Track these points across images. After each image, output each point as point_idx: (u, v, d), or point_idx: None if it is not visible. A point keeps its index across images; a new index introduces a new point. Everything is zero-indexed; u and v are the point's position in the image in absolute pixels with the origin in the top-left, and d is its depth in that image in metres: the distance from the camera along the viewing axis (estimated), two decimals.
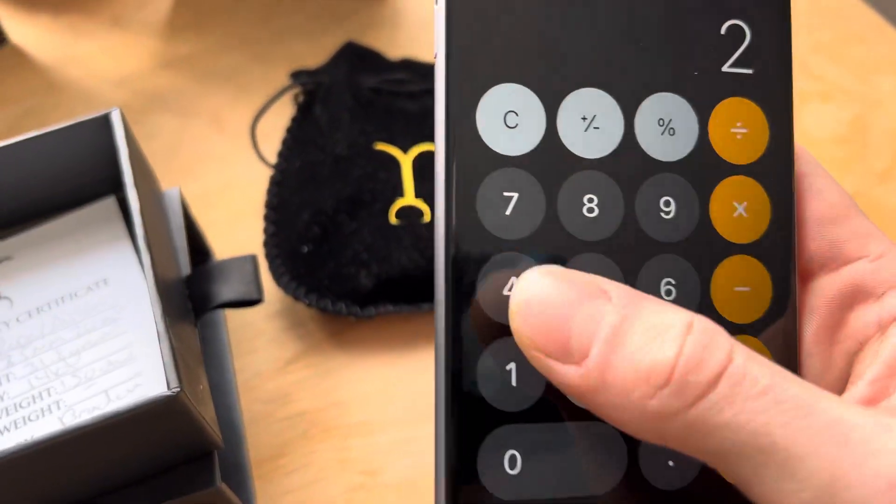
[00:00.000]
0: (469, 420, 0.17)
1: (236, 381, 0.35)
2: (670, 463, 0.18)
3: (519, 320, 0.16)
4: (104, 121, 0.31)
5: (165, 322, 0.25)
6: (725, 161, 0.19)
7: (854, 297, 0.18)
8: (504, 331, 0.17)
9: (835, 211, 0.19)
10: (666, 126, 0.18)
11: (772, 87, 0.19)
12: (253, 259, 0.32)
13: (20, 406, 0.28)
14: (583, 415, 0.17)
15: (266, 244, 0.37)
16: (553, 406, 0.17)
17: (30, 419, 0.28)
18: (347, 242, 0.36)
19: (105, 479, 0.27)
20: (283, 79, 0.46)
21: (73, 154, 0.32)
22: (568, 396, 0.17)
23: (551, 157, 0.18)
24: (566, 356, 0.15)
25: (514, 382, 0.17)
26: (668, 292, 0.18)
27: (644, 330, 0.15)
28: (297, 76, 0.43)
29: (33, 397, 0.29)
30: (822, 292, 0.19)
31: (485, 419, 0.17)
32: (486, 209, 0.17)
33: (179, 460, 0.27)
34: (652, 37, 0.18)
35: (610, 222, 0.18)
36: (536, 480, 0.17)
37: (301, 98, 0.43)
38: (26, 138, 0.30)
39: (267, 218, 0.38)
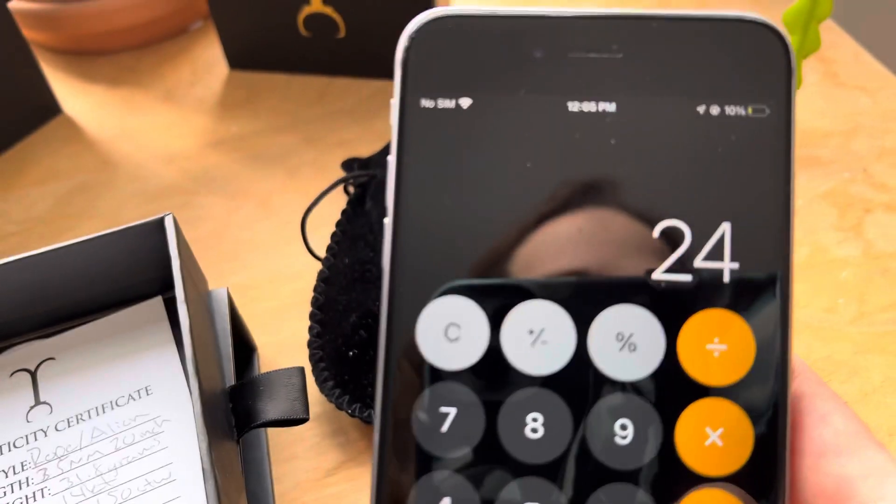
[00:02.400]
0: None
1: (274, 494, 0.34)
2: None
3: None
4: (158, 225, 0.30)
5: (212, 459, 0.24)
6: (697, 382, 0.17)
7: None
8: None
9: (841, 440, 0.16)
10: (625, 341, 0.17)
11: (760, 296, 0.17)
12: (300, 372, 0.31)
13: None
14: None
15: (310, 345, 0.36)
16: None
17: None
18: None
19: None
20: (334, 163, 0.46)
21: (124, 256, 0.31)
22: None
23: (493, 373, 0.17)
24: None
25: None
26: None
27: None
28: (348, 166, 0.43)
29: None
30: None
31: None
32: (421, 424, 0.17)
33: None
34: (610, 242, 0.17)
35: (556, 445, 0.17)
36: None
37: (353, 190, 0.42)
38: (81, 241, 0.30)
39: (312, 317, 0.37)
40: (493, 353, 0.17)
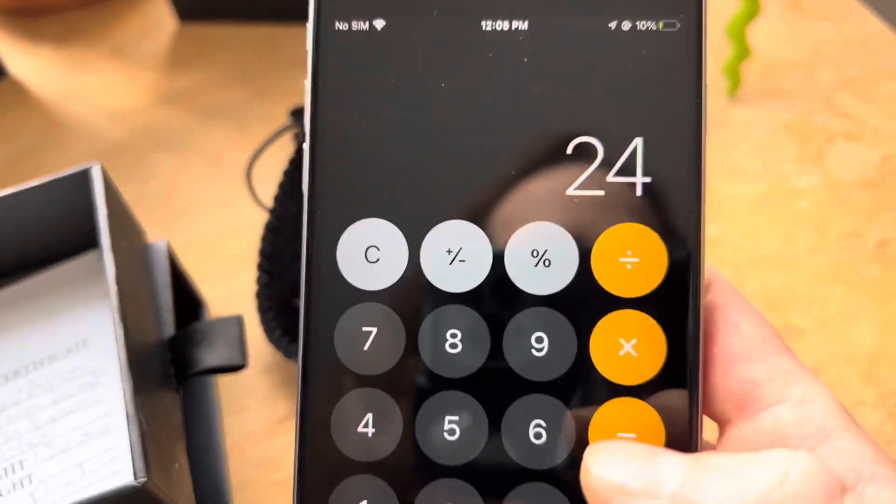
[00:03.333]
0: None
1: (224, 444, 0.33)
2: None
3: (601, 464, 0.15)
4: (84, 176, 0.29)
5: (135, 403, 0.24)
6: (611, 294, 0.17)
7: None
8: (353, 470, 0.17)
9: (751, 346, 0.17)
10: (540, 257, 0.17)
11: (672, 209, 0.17)
12: (238, 321, 0.30)
13: None
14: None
15: (258, 295, 0.36)
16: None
17: (0, 494, 0.27)
18: None
19: None
20: (284, 114, 0.45)
21: (54, 210, 0.31)
22: None
23: (413, 292, 0.18)
24: (654, 491, 0.14)
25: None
26: (538, 435, 0.17)
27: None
28: (298, 114, 0.42)
29: (5, 470, 0.27)
30: (740, 443, 0.16)
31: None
32: (343, 344, 0.17)
33: None
34: (525, 160, 0.17)
35: (474, 359, 0.17)
36: None
37: (302, 138, 0.41)
38: (3, 195, 0.29)
39: (260, 267, 0.36)
40: (413, 272, 0.18)
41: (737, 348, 0.17)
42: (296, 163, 0.40)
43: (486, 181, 0.17)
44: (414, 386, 0.17)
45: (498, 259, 0.17)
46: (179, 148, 0.45)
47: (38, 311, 0.31)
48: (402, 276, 0.18)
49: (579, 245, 0.17)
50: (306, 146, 0.18)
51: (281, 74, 0.48)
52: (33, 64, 0.50)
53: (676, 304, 0.17)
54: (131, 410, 0.24)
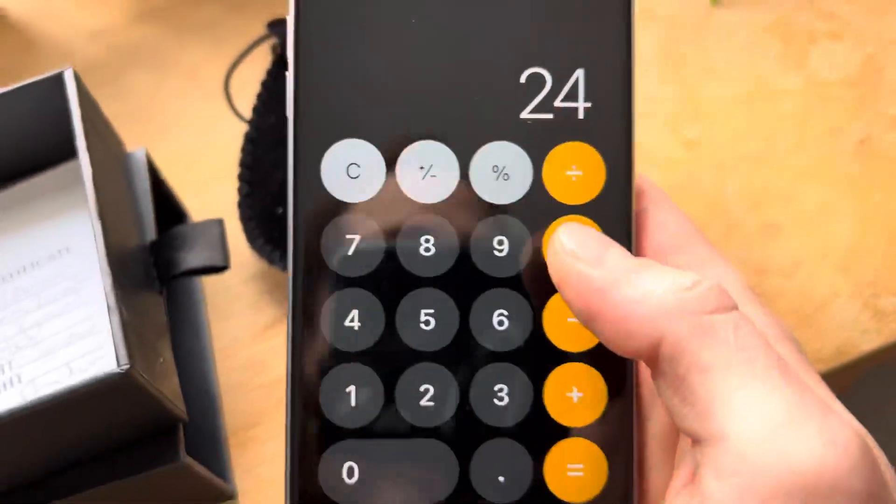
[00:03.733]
0: (312, 434, 0.19)
1: (213, 348, 0.34)
2: (500, 479, 0.19)
3: (566, 234, 0.18)
4: (57, 80, 0.29)
5: (116, 296, 0.24)
6: (559, 202, 0.20)
7: None
8: (342, 359, 0.20)
9: (675, 240, 0.20)
10: (500, 172, 0.20)
11: (608, 129, 0.20)
12: (219, 223, 0.30)
13: None
14: (417, 432, 0.19)
15: (240, 205, 0.36)
16: (389, 425, 0.20)
17: None
18: None
19: (65, 456, 0.26)
20: (261, 29, 0.44)
21: (29, 116, 0.31)
22: (574, 305, 0.18)
23: (390, 203, 0.20)
24: (596, 264, 0.17)
25: (353, 403, 0.20)
26: (500, 323, 0.20)
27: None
28: (274, 26, 0.41)
29: None
30: None
31: (326, 434, 0.19)
32: (329, 250, 0.20)
33: (143, 435, 0.27)
34: (486, 87, 0.20)
35: (445, 260, 0.20)
36: (372, 490, 0.19)
37: (279, 49, 0.41)
38: None
39: (241, 177, 0.36)
40: (390, 186, 0.20)
41: (664, 242, 0.20)
42: (273, 74, 0.40)
43: (452, 106, 0.20)
44: (393, 285, 0.20)
45: (464, 174, 0.20)
46: (156, 65, 0.44)
47: (18, 221, 0.31)
48: (380, 189, 0.20)
49: (532, 161, 0.20)
50: (290, 73, 0.20)
51: None
52: None
53: (614, 209, 0.20)
54: (112, 302, 0.24)
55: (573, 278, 0.18)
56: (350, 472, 0.19)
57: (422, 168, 0.20)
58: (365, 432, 0.19)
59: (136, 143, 0.39)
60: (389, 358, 0.20)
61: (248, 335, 0.35)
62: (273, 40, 0.41)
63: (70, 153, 0.32)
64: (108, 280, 0.24)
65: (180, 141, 0.41)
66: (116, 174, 0.30)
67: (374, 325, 0.20)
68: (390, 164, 0.20)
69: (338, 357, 0.20)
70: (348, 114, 0.20)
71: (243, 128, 0.39)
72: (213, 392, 0.33)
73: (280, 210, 0.35)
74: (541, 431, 0.19)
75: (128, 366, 0.23)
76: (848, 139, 0.39)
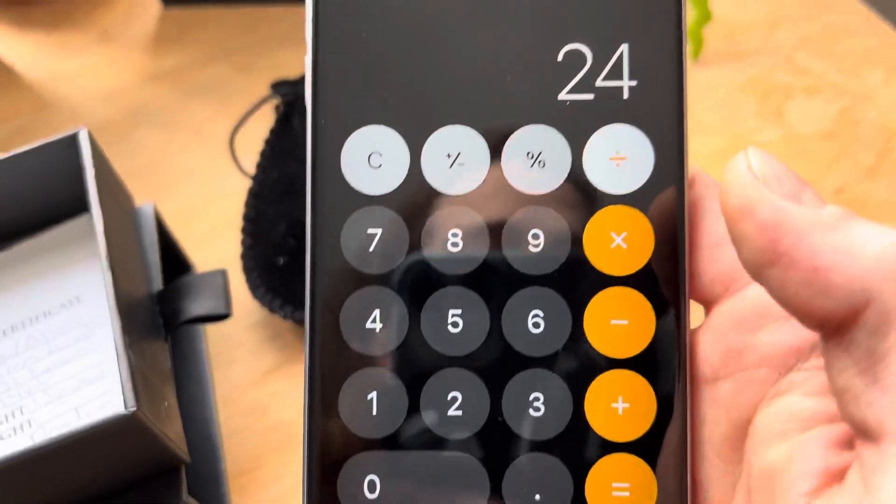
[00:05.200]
0: (330, 444, 0.18)
1: (215, 394, 0.35)
2: (537, 497, 0.17)
3: (756, 157, 0.15)
4: (72, 140, 0.31)
5: (125, 342, 0.25)
6: (601, 191, 0.18)
7: (763, 318, 0.17)
8: (365, 363, 0.18)
9: None
10: (535, 159, 0.18)
11: (656, 110, 0.18)
12: (223, 274, 0.32)
13: None
14: (444, 444, 0.18)
15: (243, 256, 0.37)
16: (413, 435, 0.18)
17: (2, 437, 0.29)
18: None
19: (70, 497, 0.27)
20: (265, 89, 0.46)
21: (45, 173, 0.32)
22: (753, 241, 0.15)
23: (415, 195, 0.18)
24: (794, 199, 0.14)
25: (374, 411, 0.18)
26: (536, 325, 0.18)
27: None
28: (278, 87, 0.43)
29: (6, 416, 0.29)
30: (727, 317, 0.17)
31: (345, 445, 0.18)
32: (350, 246, 0.18)
33: (147, 475, 0.28)
34: (519, 67, 0.18)
35: (475, 255, 0.18)
36: None
37: (281, 109, 0.43)
38: (6, 158, 0.31)
39: (244, 230, 0.38)
40: (414, 176, 0.18)
41: (721, 233, 0.18)
42: (276, 132, 0.42)
43: (482, 88, 0.18)
44: (418, 283, 0.18)
45: (495, 161, 0.18)
46: (165, 124, 0.46)
47: (32, 272, 0.33)
48: (405, 180, 0.18)
49: (571, 146, 0.18)
50: (308, 58, 0.18)
51: (261, 51, 0.49)
52: (22, 49, 0.51)
53: (663, 197, 0.18)
54: (120, 348, 0.25)
55: (763, 210, 0.14)
56: (371, 487, 0.17)
57: (449, 155, 0.18)
58: (387, 443, 0.18)
59: (144, 197, 0.40)
60: (414, 362, 0.18)
61: (249, 381, 0.36)
62: (276, 100, 0.43)
63: (82, 207, 0.34)
64: (118, 327, 0.26)
65: (186, 195, 0.43)
66: (126, 227, 0.32)
67: (397, 327, 0.18)
68: (414, 151, 0.18)
69: (358, 361, 0.18)
70: (369, 98, 0.18)
71: (247, 183, 0.41)
72: (215, 436, 0.34)
73: (281, 261, 0.37)
74: (582, 446, 0.17)
75: (134, 408, 0.24)
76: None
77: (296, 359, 0.37)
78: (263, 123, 0.43)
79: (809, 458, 0.15)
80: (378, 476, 0.18)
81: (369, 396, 0.18)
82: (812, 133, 0.43)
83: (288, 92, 0.43)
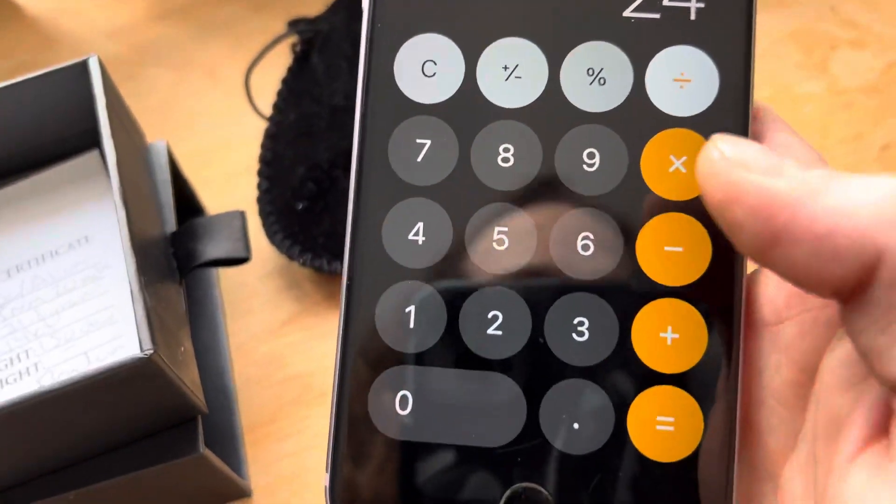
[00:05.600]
0: (364, 358, 0.17)
1: (229, 344, 0.34)
2: (575, 426, 0.17)
3: (725, 142, 0.15)
4: (82, 68, 0.29)
5: (140, 281, 0.24)
6: (662, 112, 0.17)
7: None
8: (404, 275, 0.17)
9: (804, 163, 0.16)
10: (596, 76, 0.18)
11: (723, 33, 0.17)
12: (241, 215, 0.30)
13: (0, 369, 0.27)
14: (482, 364, 0.17)
15: (259, 200, 0.35)
16: (450, 352, 0.17)
17: (7, 382, 0.27)
18: (343, 199, 0.35)
19: (82, 446, 0.26)
20: (281, 28, 0.44)
21: (52, 105, 0.30)
22: (748, 227, 0.14)
23: (468, 106, 0.18)
24: (775, 174, 0.14)
25: (411, 325, 0.17)
26: (585, 247, 0.17)
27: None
28: (295, 24, 0.41)
29: (11, 359, 0.27)
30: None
31: (380, 358, 0.17)
32: (397, 155, 0.17)
33: (162, 425, 0.26)
34: None
35: (525, 172, 0.17)
36: (427, 424, 0.17)
37: (298, 48, 0.41)
38: (1, 86, 0.29)
39: (260, 173, 0.36)
40: (469, 87, 0.18)
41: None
42: (294, 71, 0.40)
43: (544, 1, 0.18)
44: (465, 197, 0.17)
45: (553, 76, 0.18)
46: (176, 63, 0.44)
47: (38, 210, 0.31)
48: (458, 90, 0.18)
49: (634, 65, 0.17)
50: None
51: None
52: None
53: (727, 123, 0.17)
54: (135, 288, 0.24)
55: (749, 192, 0.14)
56: (403, 402, 0.17)
57: (505, 68, 0.18)
58: (422, 359, 0.17)
59: (154, 137, 0.38)
60: (455, 279, 0.17)
61: (265, 331, 0.34)
62: (293, 39, 0.41)
63: (89, 144, 0.32)
64: (133, 266, 0.24)
65: (199, 137, 0.41)
66: (138, 163, 0.30)
67: (440, 241, 0.17)
68: (470, 62, 0.18)
69: (397, 274, 0.17)
70: (428, 5, 0.18)
71: (263, 125, 0.38)
72: (229, 388, 0.32)
73: (300, 206, 0.35)
74: (626, 375, 0.17)
75: (151, 350, 0.22)
76: (870, 145, 0.38)
77: (314, 309, 0.35)
78: (279, 63, 0.41)
79: (877, 405, 0.14)
80: (411, 392, 0.17)
81: (407, 310, 0.17)
82: (857, 86, 0.41)
83: (306, 30, 0.41)
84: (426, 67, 0.18)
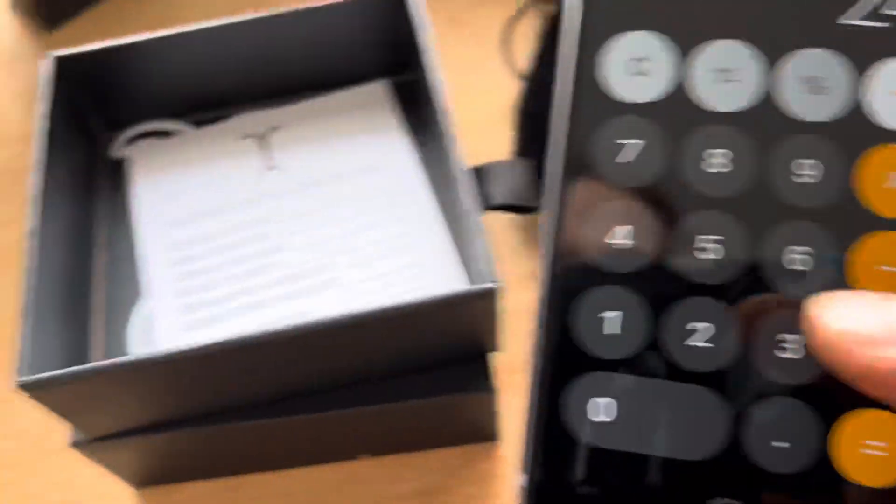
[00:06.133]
0: (560, 360, 0.17)
1: None
2: (778, 444, 0.16)
3: (827, 310, 0.15)
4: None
5: (474, 213, 0.24)
6: (883, 128, 0.17)
7: None
8: (602, 280, 0.17)
9: None
10: (813, 84, 0.17)
11: None
12: (532, 164, 0.30)
13: (299, 277, 0.28)
14: (685, 375, 0.17)
15: (515, 154, 0.36)
16: (653, 360, 0.17)
17: (308, 292, 0.28)
18: None
19: (380, 364, 0.26)
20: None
21: (355, 31, 0.31)
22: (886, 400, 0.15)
23: (678, 108, 0.17)
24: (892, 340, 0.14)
25: (612, 331, 0.17)
26: (791, 260, 0.17)
27: None
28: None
29: (312, 270, 0.28)
30: None
31: (577, 363, 0.17)
32: (600, 154, 0.17)
33: (453, 358, 0.27)
34: None
35: (737, 180, 0.17)
36: (621, 432, 0.17)
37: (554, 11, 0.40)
38: (309, 8, 0.29)
39: (517, 126, 0.36)
40: (679, 88, 0.17)
41: None
42: (550, 33, 0.40)
43: (762, 3, 0.17)
44: (672, 201, 0.17)
45: (769, 82, 0.17)
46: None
47: (326, 131, 0.32)
48: (668, 91, 0.17)
49: (854, 75, 0.17)
50: None
51: None
52: None
53: None
54: (475, 219, 0.24)
55: (870, 371, 0.14)
56: (605, 410, 0.17)
57: (719, 70, 0.17)
58: (622, 366, 0.17)
59: None
60: (659, 284, 0.17)
61: (512, 281, 0.34)
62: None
63: (376, 73, 0.33)
64: (469, 200, 0.24)
65: (454, 85, 0.41)
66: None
67: (645, 243, 0.17)
68: (683, 62, 0.17)
69: (597, 276, 0.17)
70: (641, 3, 0.17)
71: (514, 82, 0.38)
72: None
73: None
74: (834, 394, 0.16)
75: (497, 283, 0.23)
76: None
77: None
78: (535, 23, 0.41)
79: None
80: (608, 399, 0.17)
81: (609, 315, 0.17)
82: None
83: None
84: (636, 66, 0.17)
